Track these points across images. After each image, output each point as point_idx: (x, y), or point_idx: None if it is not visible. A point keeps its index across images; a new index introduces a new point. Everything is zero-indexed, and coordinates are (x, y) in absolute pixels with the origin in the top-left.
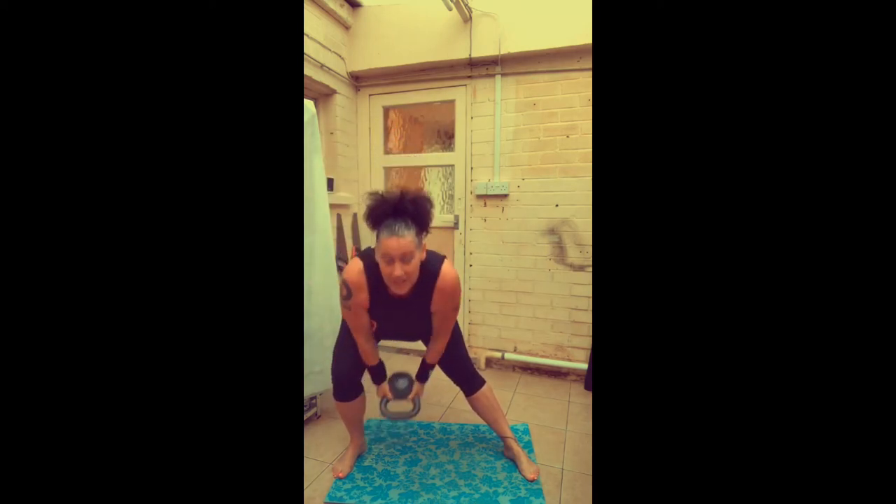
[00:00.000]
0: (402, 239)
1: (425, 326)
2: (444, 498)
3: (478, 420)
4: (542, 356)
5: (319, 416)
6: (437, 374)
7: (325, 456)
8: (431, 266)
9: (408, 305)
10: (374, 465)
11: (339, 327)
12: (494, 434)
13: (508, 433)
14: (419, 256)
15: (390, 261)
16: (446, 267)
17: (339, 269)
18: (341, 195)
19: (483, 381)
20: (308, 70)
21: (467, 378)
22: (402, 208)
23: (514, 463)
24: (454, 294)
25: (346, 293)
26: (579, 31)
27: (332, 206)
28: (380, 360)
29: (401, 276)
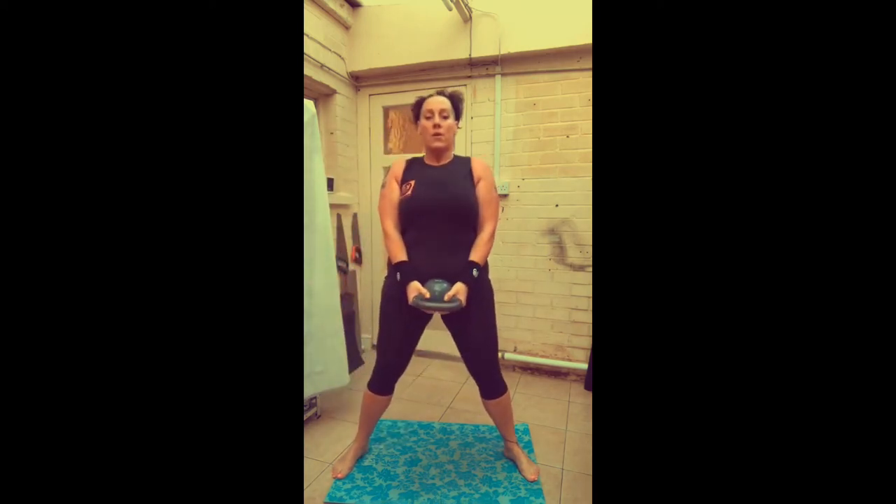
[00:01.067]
0: (442, 98)
1: (463, 193)
2: (444, 498)
3: (478, 420)
4: (542, 356)
5: (319, 416)
6: (437, 374)
7: (325, 456)
8: (462, 157)
9: (446, 171)
10: (374, 465)
11: (339, 327)
12: (494, 434)
13: (513, 438)
14: (454, 126)
15: (431, 116)
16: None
17: (339, 269)
18: (341, 195)
19: (506, 388)
20: (308, 70)
21: (491, 380)
22: (442, 93)
23: (514, 463)
24: (490, 169)
25: (385, 182)
26: (579, 31)
27: (332, 206)
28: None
29: (440, 124)
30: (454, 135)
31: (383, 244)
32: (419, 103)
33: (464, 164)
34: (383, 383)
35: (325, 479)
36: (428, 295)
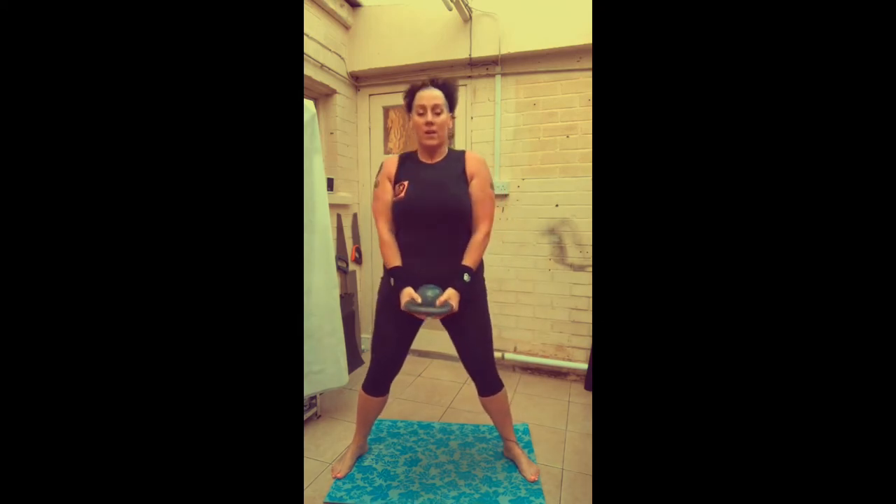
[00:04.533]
0: (434, 92)
1: (458, 195)
2: (444, 498)
3: (478, 420)
4: (542, 356)
5: (319, 416)
6: (437, 375)
7: (325, 456)
8: (456, 152)
9: (439, 169)
10: (374, 465)
11: (338, 327)
12: (494, 434)
13: (512, 437)
14: (448, 121)
15: (423, 112)
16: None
17: (339, 269)
18: (341, 195)
19: (502, 386)
20: (308, 70)
21: (488, 378)
22: (435, 82)
23: (514, 463)
24: (485, 163)
25: (377, 182)
26: (579, 31)
27: (332, 206)
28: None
29: (432, 121)
30: (448, 129)
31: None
32: (411, 93)
33: (458, 160)
34: (377, 384)
35: (325, 479)
36: (420, 300)
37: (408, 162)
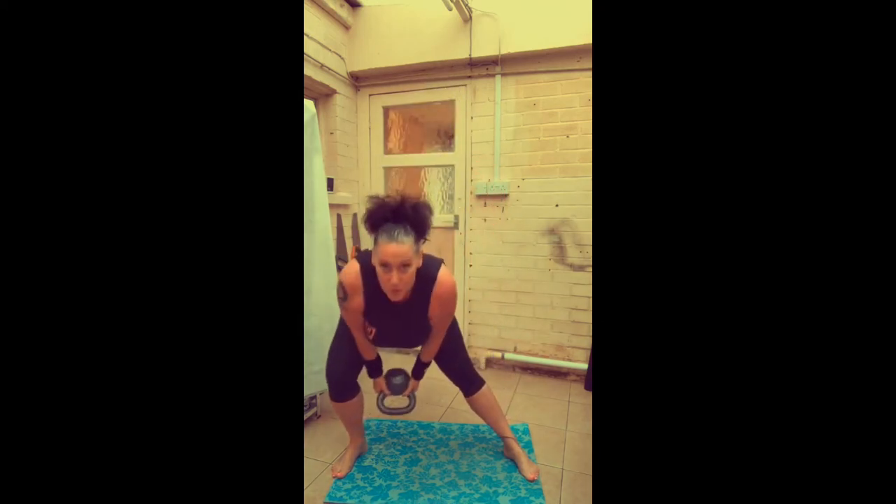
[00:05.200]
0: (401, 245)
1: (423, 333)
2: (444, 498)
3: (478, 420)
4: (542, 356)
5: (319, 416)
6: (437, 375)
7: (325, 456)
8: (428, 271)
9: (404, 311)
10: (374, 465)
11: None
12: (494, 434)
13: (508, 433)
14: (416, 264)
15: (388, 268)
16: (443, 273)
17: (339, 268)
18: (341, 195)
19: (482, 382)
20: (308, 70)
21: (467, 378)
22: (402, 213)
23: (514, 463)
24: (451, 301)
25: (343, 295)
26: (579, 31)
27: (332, 206)
28: (377, 354)
29: (397, 283)
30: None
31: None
32: (375, 228)
33: (424, 296)
34: (342, 390)
35: (325, 478)
36: (388, 392)
37: (369, 282)
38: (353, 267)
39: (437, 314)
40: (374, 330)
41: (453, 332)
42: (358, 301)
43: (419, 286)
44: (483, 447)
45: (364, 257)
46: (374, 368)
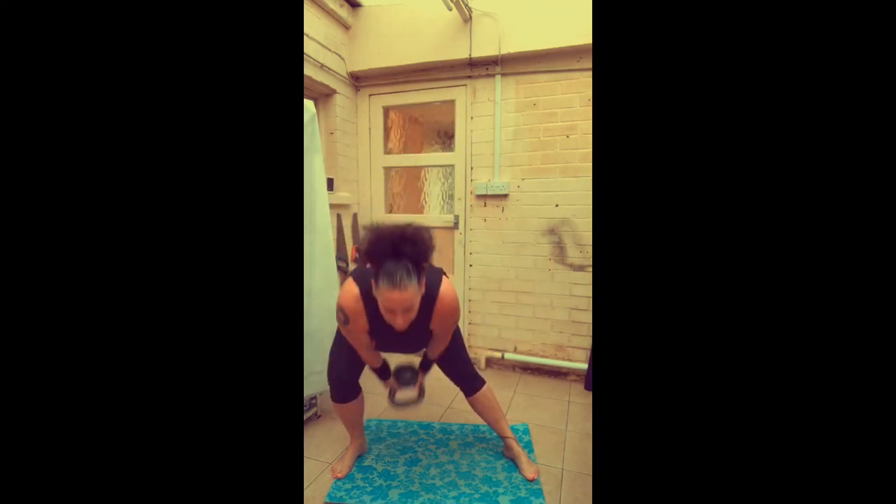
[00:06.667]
0: (405, 293)
1: (425, 341)
2: (444, 498)
3: (478, 420)
4: (542, 356)
5: (319, 416)
6: (437, 375)
7: (325, 456)
8: (430, 292)
9: (406, 329)
10: (374, 465)
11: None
12: (494, 434)
13: (509, 433)
14: (419, 296)
15: (392, 312)
16: (445, 287)
17: (339, 269)
18: (341, 195)
19: (483, 382)
20: (308, 70)
21: (467, 379)
22: (401, 250)
23: (514, 463)
24: (453, 316)
25: (344, 319)
26: (579, 31)
27: (332, 206)
28: (383, 360)
29: (402, 324)
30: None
31: None
32: (376, 276)
33: (427, 310)
34: (343, 392)
35: (325, 478)
36: (398, 386)
37: (370, 306)
38: (352, 291)
39: (440, 328)
40: (374, 343)
41: (454, 332)
42: (360, 323)
43: (421, 306)
44: (483, 447)
45: (361, 277)
46: (383, 373)
